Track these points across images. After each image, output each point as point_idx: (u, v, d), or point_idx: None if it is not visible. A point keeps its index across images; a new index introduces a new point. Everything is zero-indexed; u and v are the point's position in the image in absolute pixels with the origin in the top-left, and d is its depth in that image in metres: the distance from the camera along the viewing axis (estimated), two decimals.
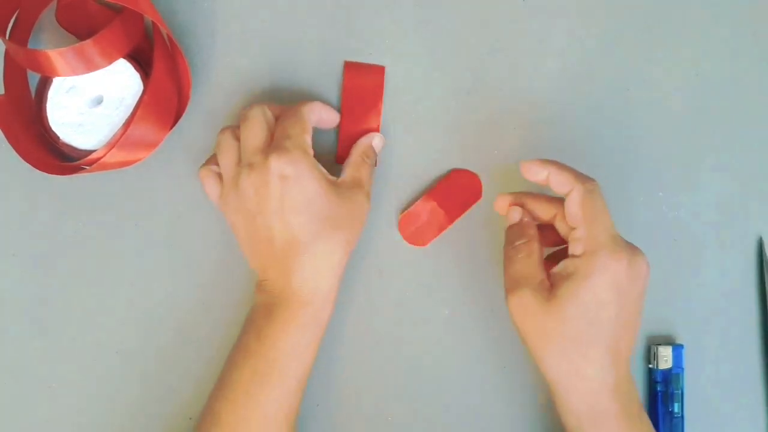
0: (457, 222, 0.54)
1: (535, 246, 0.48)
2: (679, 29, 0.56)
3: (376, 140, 0.53)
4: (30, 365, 0.52)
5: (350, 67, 0.54)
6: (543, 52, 0.55)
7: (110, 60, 0.49)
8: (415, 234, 0.54)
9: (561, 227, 0.48)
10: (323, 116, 0.52)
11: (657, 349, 0.53)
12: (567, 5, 0.56)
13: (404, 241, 0.54)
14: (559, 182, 0.47)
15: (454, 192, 0.54)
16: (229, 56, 0.54)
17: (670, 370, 0.53)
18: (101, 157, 0.50)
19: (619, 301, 0.44)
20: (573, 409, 0.46)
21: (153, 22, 0.51)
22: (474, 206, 0.54)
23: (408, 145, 0.55)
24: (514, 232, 0.49)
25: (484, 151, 0.55)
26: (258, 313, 0.48)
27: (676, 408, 0.53)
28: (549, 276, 0.46)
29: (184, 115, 0.52)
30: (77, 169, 0.51)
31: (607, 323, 0.44)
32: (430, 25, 0.55)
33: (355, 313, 0.54)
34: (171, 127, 0.52)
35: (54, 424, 0.52)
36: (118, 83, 0.51)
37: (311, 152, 0.48)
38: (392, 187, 0.55)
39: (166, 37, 0.51)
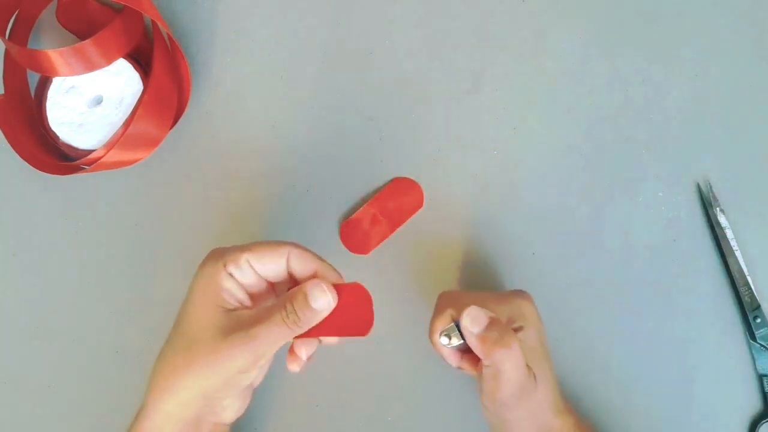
0: (399, 230, 0.53)
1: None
2: (679, 29, 0.56)
3: (314, 290, 0.41)
4: (29, 365, 0.52)
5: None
6: (543, 52, 0.55)
7: (110, 60, 0.49)
8: (356, 242, 0.53)
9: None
10: (295, 266, 0.43)
11: None
12: (567, 5, 0.56)
13: (346, 250, 0.53)
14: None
15: (395, 200, 0.53)
16: (229, 56, 0.54)
17: None
18: (101, 157, 0.50)
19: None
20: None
21: (153, 21, 0.51)
22: (416, 214, 0.54)
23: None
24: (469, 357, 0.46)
25: (484, 151, 0.55)
26: None
27: None
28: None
29: (184, 115, 0.52)
30: (77, 169, 0.51)
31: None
32: (431, 24, 0.55)
33: None
34: (171, 127, 0.52)
35: (54, 424, 0.52)
36: (118, 83, 0.51)
37: (228, 275, 0.42)
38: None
39: (166, 36, 0.51)
